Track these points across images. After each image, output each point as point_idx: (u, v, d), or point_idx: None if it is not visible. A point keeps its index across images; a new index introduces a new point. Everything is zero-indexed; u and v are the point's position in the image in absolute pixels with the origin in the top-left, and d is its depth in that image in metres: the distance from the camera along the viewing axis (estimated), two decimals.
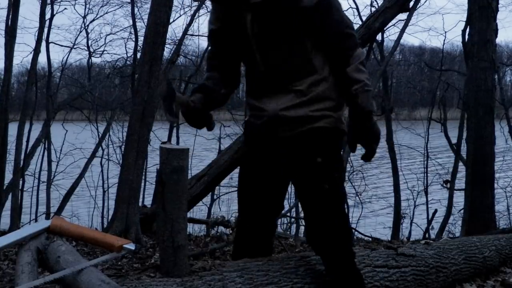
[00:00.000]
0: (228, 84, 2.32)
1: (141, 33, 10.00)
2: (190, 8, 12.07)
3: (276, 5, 2.01)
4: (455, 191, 9.45)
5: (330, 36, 2.06)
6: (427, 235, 9.01)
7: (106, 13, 12.92)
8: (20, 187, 9.04)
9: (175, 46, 10.92)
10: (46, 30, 10.12)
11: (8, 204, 8.03)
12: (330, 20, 2.04)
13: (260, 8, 2.02)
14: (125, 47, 13.14)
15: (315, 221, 2.16)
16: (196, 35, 12.25)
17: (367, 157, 2.12)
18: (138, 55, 9.41)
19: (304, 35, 2.06)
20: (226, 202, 10.97)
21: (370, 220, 10.92)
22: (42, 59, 17.59)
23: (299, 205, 9.35)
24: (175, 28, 38.92)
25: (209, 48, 2.34)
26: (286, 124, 2.13)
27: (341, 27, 2.07)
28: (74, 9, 20.57)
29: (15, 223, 7.57)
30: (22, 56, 39.94)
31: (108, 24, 22.15)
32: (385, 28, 8.91)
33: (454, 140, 9.66)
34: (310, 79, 2.10)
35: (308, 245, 2.29)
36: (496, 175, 7.27)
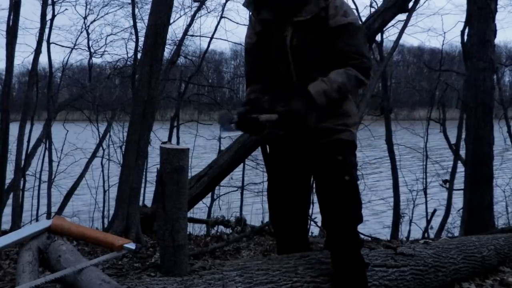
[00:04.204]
0: (268, 92, 2.53)
1: (142, 33, 10.01)
2: (190, 8, 12.09)
3: (313, 23, 2.33)
4: (454, 191, 9.47)
5: (339, 55, 2.34)
6: (426, 235, 9.02)
7: (107, 13, 12.95)
8: (21, 187, 9.06)
9: (175, 47, 10.93)
10: (47, 30, 10.14)
11: (9, 204, 8.05)
12: (345, 42, 2.33)
13: (301, 25, 2.35)
14: (126, 47, 13.19)
15: (334, 208, 2.39)
16: (196, 36, 12.20)
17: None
18: (139, 55, 9.41)
19: (331, 52, 2.36)
20: (226, 202, 10.99)
21: (369, 219, 10.92)
22: (43, 59, 17.56)
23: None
24: (176, 28, 38.84)
25: (246, 63, 2.63)
26: (315, 133, 2.40)
27: (353, 50, 2.34)
28: (75, 9, 20.53)
29: (16, 223, 7.58)
30: (23, 57, 39.93)
31: (108, 24, 22.05)
32: (384, 29, 8.92)
33: (453, 140, 9.67)
34: None
35: (323, 229, 2.49)
36: (495, 175, 7.28)
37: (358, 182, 2.47)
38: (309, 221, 2.84)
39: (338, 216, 2.38)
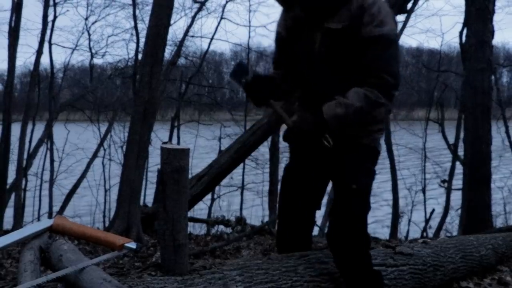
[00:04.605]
0: (289, 83, 2.42)
1: (143, 34, 10.04)
2: (190, 9, 12.13)
3: (344, 33, 2.14)
4: (452, 191, 9.49)
5: (364, 69, 2.14)
6: (425, 234, 9.03)
7: (108, 15, 13.01)
8: (23, 187, 9.09)
9: (176, 48, 10.96)
10: (48, 31, 10.18)
11: (11, 204, 8.07)
12: (374, 56, 2.12)
13: (331, 33, 2.16)
14: (127, 48, 13.28)
15: (338, 217, 2.30)
16: (196, 37, 12.23)
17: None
18: (140, 56, 9.43)
19: (358, 63, 2.16)
20: (226, 202, 11.00)
21: (368, 219, 10.92)
22: (44, 60, 17.57)
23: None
24: (176, 29, 38.77)
25: (275, 48, 2.47)
26: (336, 136, 2.22)
27: (379, 66, 2.13)
28: (77, 11, 20.66)
29: (18, 222, 7.61)
30: (25, 57, 39.97)
31: (110, 25, 22.09)
32: None
33: (451, 140, 9.68)
34: None
35: (328, 245, 2.38)
36: (493, 175, 7.30)
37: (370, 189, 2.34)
38: (314, 222, 2.68)
39: (340, 228, 2.29)
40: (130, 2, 10.83)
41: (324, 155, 2.30)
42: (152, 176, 9.92)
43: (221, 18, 11.29)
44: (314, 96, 2.28)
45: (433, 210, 9.44)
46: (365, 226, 2.36)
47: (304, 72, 2.29)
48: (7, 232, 5.78)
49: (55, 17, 10.53)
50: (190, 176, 5.41)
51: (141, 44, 9.73)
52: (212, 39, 11.49)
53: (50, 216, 9.56)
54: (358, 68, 2.16)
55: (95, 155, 11.02)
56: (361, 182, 2.28)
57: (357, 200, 2.28)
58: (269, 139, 9.26)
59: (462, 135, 7.83)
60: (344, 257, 2.32)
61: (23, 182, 9.18)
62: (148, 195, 9.15)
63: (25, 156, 8.89)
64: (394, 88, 2.16)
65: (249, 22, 11.68)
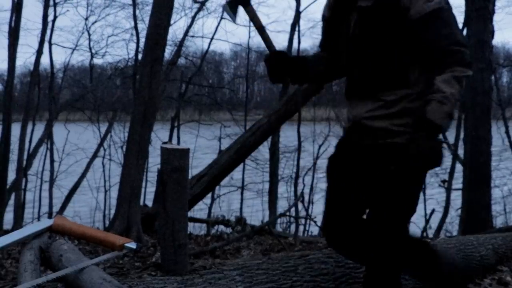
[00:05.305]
0: (331, 68, 2.27)
1: (143, 34, 10.06)
2: (190, 9, 12.15)
3: (383, 12, 1.97)
4: (452, 191, 9.48)
5: (432, 51, 1.96)
6: (424, 234, 9.03)
7: (108, 15, 13.02)
8: (23, 187, 9.10)
9: (176, 48, 10.98)
10: (48, 31, 10.20)
11: (11, 203, 8.08)
12: (435, 34, 1.94)
13: (366, 12, 2.00)
14: (127, 48, 13.29)
15: (373, 225, 2.09)
16: (196, 37, 12.26)
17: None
18: (140, 56, 9.45)
19: (405, 46, 1.99)
20: (226, 202, 11.01)
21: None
22: (44, 60, 17.61)
23: (299, 204, 9.42)
24: (176, 29, 38.80)
25: (321, 31, 2.32)
26: (367, 132, 2.07)
27: (447, 42, 1.93)
28: (77, 11, 20.66)
29: (18, 222, 7.63)
30: (25, 57, 40.04)
31: (110, 25, 22.12)
32: None
33: (451, 140, 9.68)
34: (401, 92, 2.01)
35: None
36: (493, 175, 7.30)
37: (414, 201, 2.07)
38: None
39: (373, 235, 2.08)
40: (130, 2, 10.87)
41: (362, 160, 2.10)
42: (152, 176, 9.93)
43: (221, 18, 11.31)
44: (356, 84, 2.09)
45: (433, 210, 9.42)
46: (400, 235, 2.11)
47: (343, 55, 2.14)
48: (7, 232, 5.79)
49: (55, 17, 10.56)
50: (190, 176, 5.41)
51: (141, 44, 9.77)
52: (212, 39, 11.52)
53: (50, 216, 9.57)
54: (425, 53, 1.97)
55: (95, 155, 11.03)
56: (402, 190, 2.03)
57: (390, 211, 2.05)
58: (269, 139, 9.27)
59: (462, 135, 7.83)
60: (372, 265, 2.14)
61: (23, 182, 9.19)
62: (148, 195, 9.15)
63: (25, 156, 8.90)
64: (468, 54, 1.96)
65: (249, 22, 11.63)
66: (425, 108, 1.91)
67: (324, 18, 2.24)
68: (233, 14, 2.14)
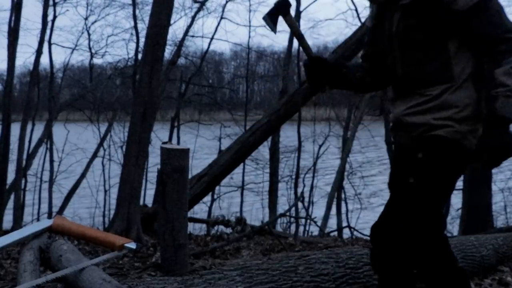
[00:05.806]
0: (374, 78, 2.30)
1: (142, 34, 10.05)
2: (190, 9, 12.14)
3: (426, 6, 1.99)
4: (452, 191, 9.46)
5: (484, 40, 1.96)
6: None
7: (108, 14, 13.04)
8: (22, 187, 9.09)
9: (176, 47, 10.97)
10: (48, 31, 10.20)
11: (10, 204, 8.07)
12: (485, 24, 1.94)
13: (409, 9, 2.02)
14: (127, 48, 13.28)
15: (388, 216, 2.05)
16: (196, 37, 12.25)
17: (486, 165, 1.96)
18: (139, 56, 9.44)
19: (450, 38, 2.00)
20: (226, 202, 11.01)
21: (369, 219, 10.94)
22: (44, 60, 17.65)
23: (299, 204, 9.41)
24: (176, 29, 38.79)
25: (366, 43, 2.35)
26: (406, 129, 2.06)
27: (499, 31, 1.94)
28: (76, 10, 20.66)
29: (17, 222, 7.62)
30: (24, 57, 40.04)
31: (109, 25, 22.11)
32: None
33: None
34: (445, 86, 2.01)
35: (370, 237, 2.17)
36: (493, 175, 7.30)
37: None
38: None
39: (388, 228, 2.03)
40: (130, 2, 10.86)
41: (403, 159, 2.08)
42: (152, 176, 9.92)
43: (221, 18, 11.31)
44: (400, 82, 2.10)
45: None
46: (424, 228, 2.01)
47: (388, 56, 2.14)
48: (6, 232, 5.78)
49: (54, 17, 10.56)
50: (190, 176, 5.40)
51: (141, 44, 9.76)
52: (212, 39, 11.51)
53: (49, 216, 9.57)
54: (477, 42, 1.97)
55: (94, 155, 11.03)
56: (422, 178, 1.99)
57: (412, 199, 1.98)
58: (269, 139, 9.27)
59: None
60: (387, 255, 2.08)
61: (23, 182, 9.19)
62: (148, 195, 9.15)
63: (25, 156, 8.89)
64: None
65: (249, 22, 11.65)
66: (493, 105, 1.89)
67: (369, 29, 2.27)
68: (273, 25, 2.16)
